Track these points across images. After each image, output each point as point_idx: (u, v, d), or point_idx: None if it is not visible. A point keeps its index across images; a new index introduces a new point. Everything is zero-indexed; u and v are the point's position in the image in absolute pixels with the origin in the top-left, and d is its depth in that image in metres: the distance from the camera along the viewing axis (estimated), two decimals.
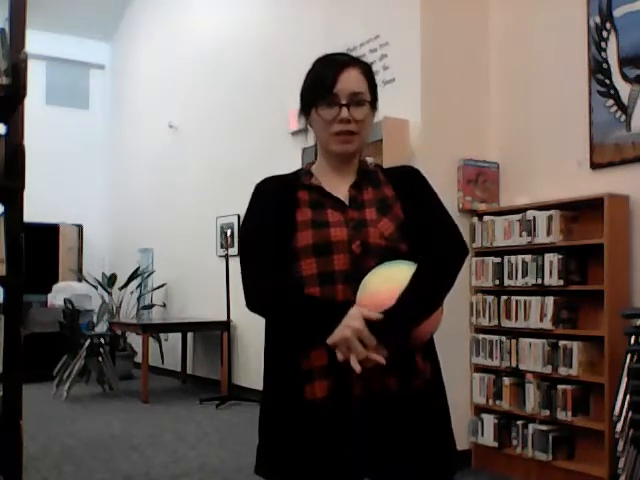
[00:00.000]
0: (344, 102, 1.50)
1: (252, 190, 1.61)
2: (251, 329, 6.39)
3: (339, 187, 1.56)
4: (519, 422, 3.99)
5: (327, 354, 1.42)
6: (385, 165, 1.83)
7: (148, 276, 8.71)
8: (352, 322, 1.36)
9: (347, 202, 1.54)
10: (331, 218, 1.51)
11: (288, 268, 1.48)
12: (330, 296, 1.45)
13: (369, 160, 1.68)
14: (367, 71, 1.56)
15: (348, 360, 1.36)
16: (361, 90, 1.52)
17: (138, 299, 8.72)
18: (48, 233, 9.37)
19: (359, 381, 1.42)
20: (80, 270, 9.65)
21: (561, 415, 3.74)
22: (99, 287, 8.75)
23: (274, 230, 1.50)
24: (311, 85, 1.55)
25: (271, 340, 1.56)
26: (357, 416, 1.45)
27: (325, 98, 1.50)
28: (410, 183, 1.61)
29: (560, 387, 3.76)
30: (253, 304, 1.50)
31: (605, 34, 3.84)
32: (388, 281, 1.43)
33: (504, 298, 4.09)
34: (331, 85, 1.50)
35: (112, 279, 8.75)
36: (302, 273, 1.47)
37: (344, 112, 1.49)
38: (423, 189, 1.61)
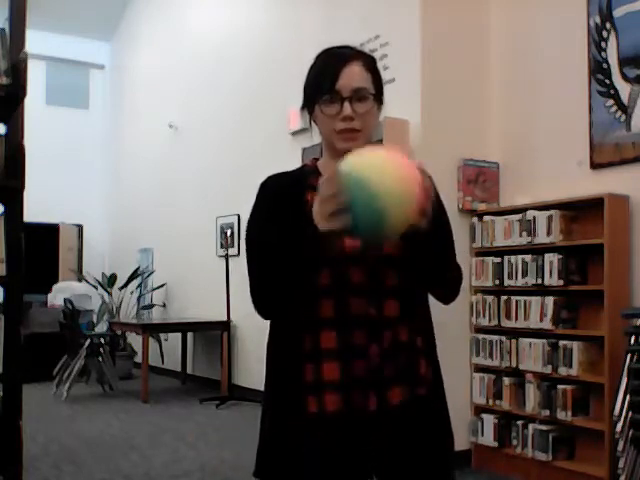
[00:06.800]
0: (346, 99, 1.44)
1: (253, 190, 1.57)
2: (251, 329, 6.37)
3: None
4: (519, 422, 3.99)
5: (340, 368, 1.41)
6: None
7: (148, 276, 8.71)
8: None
9: None
10: None
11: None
12: (344, 306, 1.42)
13: None
14: (371, 64, 1.50)
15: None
16: (364, 85, 1.46)
17: (138, 299, 8.72)
18: (48, 233, 9.37)
19: (374, 395, 1.41)
20: (80, 270, 9.65)
21: (561, 415, 3.74)
22: (99, 287, 8.75)
23: (279, 236, 1.43)
24: (313, 81, 1.50)
25: (274, 348, 1.52)
26: (367, 428, 1.44)
27: (327, 94, 1.45)
28: None
29: (560, 387, 3.76)
30: (257, 307, 1.47)
31: (605, 34, 3.84)
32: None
33: (504, 298, 4.09)
34: (332, 81, 1.44)
35: (112, 279, 8.75)
36: (317, 282, 1.43)
37: (346, 109, 1.44)
38: (438, 203, 1.55)
